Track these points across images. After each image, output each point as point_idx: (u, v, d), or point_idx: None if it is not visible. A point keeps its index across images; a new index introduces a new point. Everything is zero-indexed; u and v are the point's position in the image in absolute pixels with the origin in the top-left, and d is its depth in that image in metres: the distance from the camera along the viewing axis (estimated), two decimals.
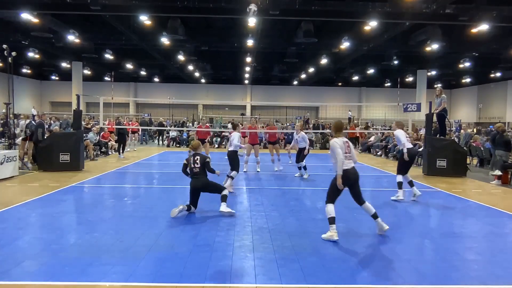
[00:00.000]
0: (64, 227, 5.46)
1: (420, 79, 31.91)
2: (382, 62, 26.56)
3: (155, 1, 15.77)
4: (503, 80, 34.74)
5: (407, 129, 13.12)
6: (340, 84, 42.10)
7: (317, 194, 7.90)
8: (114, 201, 7.28)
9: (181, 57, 26.23)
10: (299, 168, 10.52)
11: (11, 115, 11.25)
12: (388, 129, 20.94)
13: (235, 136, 8.33)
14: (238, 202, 7.28)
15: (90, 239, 4.91)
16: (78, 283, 3.62)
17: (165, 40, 21.77)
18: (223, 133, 20.70)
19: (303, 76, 35.31)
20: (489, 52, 24.35)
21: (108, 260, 4.17)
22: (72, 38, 20.52)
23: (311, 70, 31.52)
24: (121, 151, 15.03)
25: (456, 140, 15.37)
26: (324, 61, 26.27)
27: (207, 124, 14.43)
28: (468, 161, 12.45)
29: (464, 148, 13.04)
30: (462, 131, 20.40)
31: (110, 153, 15.79)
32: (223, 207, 6.24)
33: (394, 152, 14.91)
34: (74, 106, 13.28)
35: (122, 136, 15.21)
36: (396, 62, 26.61)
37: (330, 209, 5.04)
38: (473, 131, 23.01)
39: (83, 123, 15.31)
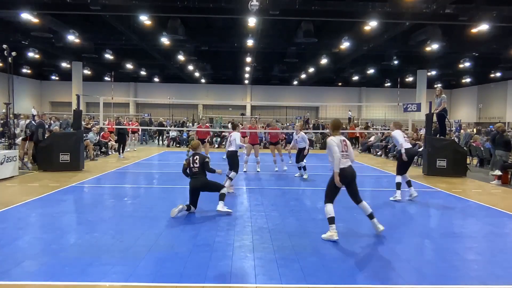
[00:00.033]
0: (64, 227, 5.46)
1: (420, 79, 31.93)
2: (382, 62, 26.58)
3: (155, 1, 15.78)
4: (503, 80, 34.76)
5: (407, 129, 13.16)
6: (340, 84, 42.11)
7: (317, 194, 7.89)
8: (114, 201, 7.28)
9: (181, 57, 26.25)
10: (299, 168, 10.52)
11: (11, 115, 11.25)
12: (388, 129, 20.94)
13: (236, 136, 8.29)
14: (238, 202, 7.28)
15: (90, 239, 4.91)
16: (78, 283, 3.62)
17: (165, 40, 21.78)
18: (223, 133, 20.70)
19: (303, 76, 35.32)
20: (489, 52, 24.36)
21: (108, 260, 4.16)
22: (72, 38, 20.53)
23: (311, 70, 31.53)
24: (121, 151, 15.03)
25: (456, 140, 15.37)
26: (324, 61, 26.28)
27: (207, 124, 14.44)
28: (468, 161, 12.45)
29: (464, 148, 13.04)
30: (462, 131, 20.40)
31: (110, 153, 15.79)
32: (220, 206, 6.27)
33: (394, 152, 14.91)
34: (74, 106, 13.28)
35: (122, 136, 15.21)
36: (396, 62, 26.63)
37: (329, 209, 5.04)
38: (473, 131, 23.03)
39: (83, 123, 15.32)
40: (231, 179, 8.11)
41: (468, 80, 36.64)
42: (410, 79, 34.02)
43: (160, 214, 6.16)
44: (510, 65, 26.65)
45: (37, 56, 25.66)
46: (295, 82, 40.32)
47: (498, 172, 10.02)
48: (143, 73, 35.84)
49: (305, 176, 10.11)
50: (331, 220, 5.00)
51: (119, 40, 22.45)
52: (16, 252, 4.39)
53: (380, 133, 19.09)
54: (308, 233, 5.29)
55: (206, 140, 12.75)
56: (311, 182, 9.69)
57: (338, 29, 20.53)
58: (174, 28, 18.49)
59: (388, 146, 16.48)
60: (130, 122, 20.87)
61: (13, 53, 10.95)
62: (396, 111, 22.73)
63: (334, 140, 5.05)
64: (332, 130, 5.26)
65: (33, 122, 12.52)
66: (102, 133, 15.60)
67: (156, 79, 40.53)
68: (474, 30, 17.60)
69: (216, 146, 20.31)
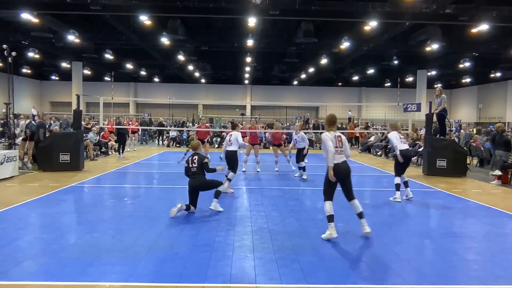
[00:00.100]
0: (64, 227, 5.46)
1: (420, 79, 31.93)
2: (382, 62, 26.58)
3: (155, 1, 15.77)
4: (503, 80, 34.76)
5: (407, 129, 13.16)
6: (340, 84, 42.11)
7: (317, 194, 7.89)
8: (114, 201, 7.28)
9: (181, 57, 26.25)
10: (299, 168, 10.52)
11: (11, 115, 11.25)
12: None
13: (238, 135, 8.26)
14: (238, 202, 7.28)
15: (90, 239, 4.91)
16: (78, 283, 3.62)
17: (165, 40, 21.78)
18: (223, 133, 20.70)
19: (303, 76, 35.33)
20: (489, 52, 24.36)
21: (108, 260, 4.17)
22: (72, 38, 20.53)
23: (311, 70, 31.54)
24: (121, 151, 15.04)
25: (456, 140, 15.37)
26: (324, 61, 26.29)
27: (207, 124, 14.44)
28: (468, 161, 12.45)
29: (464, 148, 13.04)
30: (462, 131, 20.40)
31: (110, 153, 15.79)
32: (213, 204, 6.39)
33: (394, 153, 14.92)
34: (74, 106, 13.28)
35: (122, 136, 15.22)
36: (396, 62, 26.62)
37: (328, 207, 5.04)
38: (473, 131, 23.03)
39: (83, 123, 15.32)
40: (229, 180, 8.10)
41: (468, 80, 36.65)
42: (410, 79, 34.02)
43: (160, 214, 6.16)
44: (510, 65, 26.65)
45: (37, 56, 25.66)
46: (295, 82, 40.32)
47: (498, 172, 10.02)
48: (143, 73, 35.84)
49: (304, 177, 10.08)
50: (330, 218, 5.00)
51: (119, 40, 22.45)
52: (16, 252, 4.39)
53: (380, 133, 19.10)
54: (308, 233, 5.29)
55: (206, 140, 12.75)
56: (311, 182, 9.69)
57: (338, 29, 20.53)
58: (174, 28, 18.49)
59: (388, 146, 16.47)
60: (130, 122, 20.87)
61: (13, 53, 10.95)
62: (396, 111, 22.75)
63: (328, 135, 5.07)
64: (328, 126, 5.26)
65: (33, 122, 12.52)
66: (102, 133, 15.60)
67: (156, 79, 40.54)
68: (474, 30, 17.60)
69: (216, 146, 20.30)
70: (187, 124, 29.16)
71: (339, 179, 5.06)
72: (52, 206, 6.69)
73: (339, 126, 23.50)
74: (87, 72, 33.02)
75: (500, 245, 5.07)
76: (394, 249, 4.73)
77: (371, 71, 31.47)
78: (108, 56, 25.90)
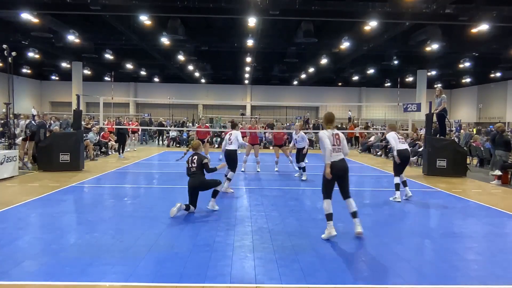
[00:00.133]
0: (64, 227, 5.46)
1: (420, 79, 31.93)
2: (382, 62, 26.58)
3: (155, 1, 15.78)
4: (503, 80, 34.76)
5: (407, 129, 13.17)
6: (340, 84, 42.12)
7: (317, 194, 7.86)
8: (114, 201, 7.28)
9: (181, 57, 26.25)
10: (299, 168, 10.52)
11: (11, 115, 11.25)
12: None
13: (238, 135, 8.23)
14: (238, 202, 7.28)
15: (90, 239, 4.91)
16: (78, 283, 3.62)
17: (165, 40, 21.78)
18: (223, 133, 20.70)
19: (303, 76, 35.33)
20: (489, 52, 24.37)
21: (108, 260, 4.17)
22: (72, 38, 20.54)
23: (311, 70, 31.54)
24: (121, 151, 15.04)
25: (456, 140, 15.37)
26: (324, 61, 26.29)
27: (207, 124, 14.44)
28: (468, 161, 12.46)
29: (464, 148, 13.04)
30: (462, 131, 20.41)
31: (110, 153, 15.79)
32: (211, 204, 6.46)
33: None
34: (74, 106, 13.28)
35: (122, 136, 15.22)
36: (396, 62, 26.63)
37: (327, 206, 5.05)
38: (472, 131, 23.03)
39: (83, 123, 15.32)
40: (229, 179, 8.09)
41: (468, 80, 36.65)
42: (410, 79, 34.02)
43: (160, 214, 6.16)
44: (510, 65, 26.66)
45: (37, 56, 25.67)
46: (295, 82, 40.33)
47: (498, 172, 10.02)
48: (143, 73, 35.84)
49: (303, 178, 10.06)
50: (329, 217, 5.01)
51: (119, 40, 22.46)
52: (16, 252, 4.39)
53: (380, 133, 19.10)
54: (308, 233, 5.29)
55: (206, 140, 12.76)
56: (310, 182, 9.68)
57: (338, 29, 20.53)
58: (174, 28, 18.49)
59: (388, 146, 16.47)
60: (130, 122, 20.87)
61: (13, 53, 10.95)
62: (396, 111, 22.76)
63: (325, 133, 5.07)
64: (326, 124, 5.27)
65: (33, 122, 12.51)
66: (102, 133, 15.60)
67: (156, 79, 40.54)
68: (474, 30, 17.61)
69: (216, 146, 20.30)
70: (187, 124, 29.16)
71: (336, 177, 5.05)
72: (52, 206, 6.69)
73: (339, 126, 23.54)
74: (87, 72, 33.03)
75: (500, 245, 5.07)
76: (394, 249, 4.73)
77: (371, 71, 31.48)
78: (108, 56, 25.91)
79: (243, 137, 9.47)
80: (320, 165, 5.13)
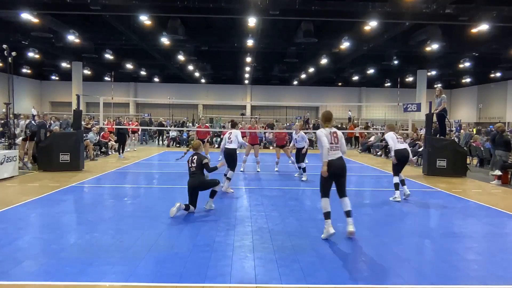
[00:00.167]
0: (64, 227, 5.46)
1: (420, 79, 31.93)
2: (382, 62, 26.58)
3: (155, 1, 15.78)
4: (503, 80, 34.76)
5: (406, 129, 13.17)
6: (340, 84, 42.12)
7: (317, 194, 7.81)
8: (114, 201, 7.28)
9: (181, 57, 26.25)
10: (298, 168, 10.52)
11: (11, 115, 11.25)
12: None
13: (238, 134, 8.22)
14: (238, 202, 7.28)
15: (90, 239, 4.91)
16: (78, 283, 3.62)
17: (165, 40, 21.78)
18: (222, 134, 20.69)
19: (303, 76, 35.33)
20: (489, 52, 24.37)
21: (108, 260, 4.17)
22: (72, 38, 20.53)
23: (311, 70, 31.54)
24: (121, 151, 15.04)
25: (456, 140, 15.37)
26: (324, 61, 26.29)
27: (206, 124, 14.44)
28: (468, 161, 12.46)
29: (464, 148, 13.04)
30: (462, 131, 20.41)
31: (110, 153, 15.80)
32: (208, 204, 6.50)
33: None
34: (74, 106, 13.28)
35: (122, 136, 15.21)
36: (396, 62, 26.63)
37: (325, 204, 5.05)
38: (472, 131, 23.03)
39: (83, 123, 15.31)
40: (229, 179, 8.08)
41: (468, 80, 36.65)
42: (410, 79, 34.02)
43: (160, 214, 6.16)
44: (510, 65, 26.65)
45: (37, 56, 25.67)
46: (295, 82, 40.32)
47: (498, 172, 10.02)
48: (143, 73, 35.84)
49: (303, 178, 10.05)
50: (327, 215, 5.01)
51: (119, 40, 22.45)
52: (16, 252, 4.39)
53: (380, 133, 19.10)
54: (308, 233, 5.29)
55: (206, 140, 12.76)
56: (311, 183, 9.67)
57: (338, 29, 20.53)
58: (174, 28, 18.49)
59: (388, 146, 16.48)
60: (130, 122, 20.87)
61: (13, 53, 10.95)
62: (396, 111, 22.76)
63: (323, 132, 5.09)
64: (324, 122, 5.27)
65: (33, 122, 12.51)
66: (102, 133, 15.60)
67: (156, 79, 40.54)
68: (474, 30, 17.60)
69: (216, 146, 20.29)
70: (187, 124, 29.16)
71: (334, 176, 5.05)
72: (52, 206, 6.69)
73: (339, 126, 23.55)
74: (87, 72, 33.02)
75: (500, 245, 5.07)
76: (394, 249, 4.73)
77: (371, 71, 31.47)
78: (108, 56, 25.90)
79: (242, 137, 9.47)
80: (320, 165, 5.12)
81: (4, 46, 10.74)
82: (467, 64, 27.10)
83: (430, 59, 27.58)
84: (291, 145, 11.38)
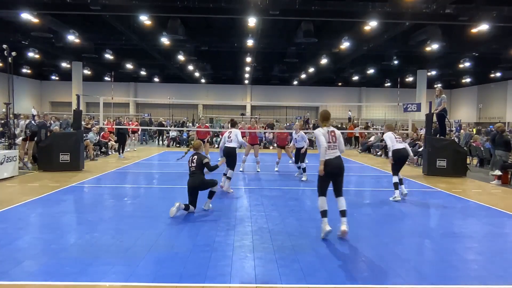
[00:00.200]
0: (64, 227, 5.46)
1: (420, 79, 31.93)
2: (382, 62, 26.58)
3: (155, 1, 15.78)
4: (503, 80, 34.75)
5: (406, 129, 13.17)
6: (340, 84, 42.11)
7: (316, 194, 7.88)
8: (114, 201, 7.28)
9: (181, 57, 26.24)
10: (298, 168, 10.53)
11: (11, 115, 11.25)
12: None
13: (237, 133, 8.20)
14: (238, 202, 7.28)
15: (90, 239, 4.91)
16: (78, 283, 3.62)
17: (165, 40, 21.78)
18: (220, 134, 20.69)
19: (303, 76, 35.32)
20: (489, 52, 24.36)
21: (108, 260, 4.17)
22: (72, 38, 20.53)
23: (311, 70, 31.54)
24: (121, 151, 15.04)
25: (456, 140, 15.38)
26: (324, 61, 26.28)
27: (207, 124, 14.45)
28: (468, 161, 12.46)
29: (464, 148, 13.04)
30: (462, 131, 20.41)
31: (110, 153, 15.80)
32: (207, 204, 6.52)
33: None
34: (74, 106, 13.28)
35: (122, 136, 15.21)
36: (396, 62, 26.63)
37: (322, 203, 5.08)
38: (472, 131, 23.04)
39: (83, 123, 15.31)
40: (229, 178, 8.07)
41: (468, 80, 36.64)
42: (410, 79, 34.02)
43: (160, 214, 6.16)
44: (510, 65, 26.64)
45: (37, 56, 25.66)
46: (295, 82, 40.32)
47: (498, 172, 10.02)
48: (143, 73, 35.84)
49: (303, 178, 10.05)
50: (323, 214, 5.04)
51: (119, 40, 22.45)
52: (16, 252, 4.39)
53: (380, 133, 19.11)
54: (308, 233, 5.29)
55: (206, 140, 12.76)
56: (311, 183, 9.67)
57: (338, 29, 20.53)
58: (174, 28, 18.48)
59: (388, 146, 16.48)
60: (130, 122, 20.88)
61: (13, 53, 10.95)
62: (396, 111, 22.76)
63: (321, 131, 5.10)
64: (321, 121, 5.28)
65: (33, 122, 12.51)
66: (102, 133, 15.60)
67: (156, 79, 40.53)
68: (474, 30, 17.60)
69: (216, 146, 20.29)
70: (187, 124, 29.16)
71: (332, 175, 5.05)
72: (52, 206, 6.69)
73: (339, 126, 23.55)
74: (87, 72, 33.01)
75: (500, 245, 5.07)
76: (394, 249, 4.73)
77: (371, 71, 31.47)
78: (108, 56, 25.90)
79: (242, 137, 9.47)
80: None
81: (4, 46, 10.74)
82: (467, 64, 27.09)
83: (430, 59, 27.58)
84: (291, 144, 11.38)
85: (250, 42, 21.47)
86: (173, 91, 39.25)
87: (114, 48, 25.80)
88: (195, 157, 6.34)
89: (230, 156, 8.02)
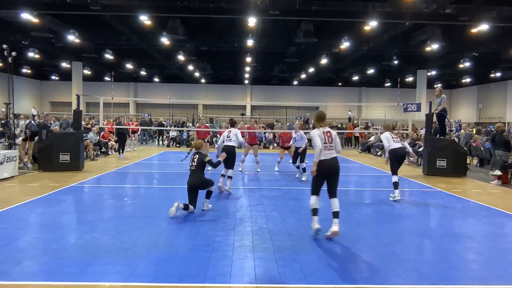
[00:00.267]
0: (64, 227, 5.46)
1: (420, 79, 31.92)
2: (382, 62, 26.57)
3: (155, 1, 15.77)
4: (503, 80, 34.75)
5: (406, 129, 13.17)
6: (340, 84, 42.11)
7: None
8: (114, 201, 7.28)
9: (181, 57, 26.24)
10: (297, 167, 10.52)
11: (11, 115, 11.25)
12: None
13: (237, 132, 8.17)
14: (238, 202, 7.28)
15: (90, 239, 4.91)
16: (78, 283, 3.62)
17: (165, 40, 21.77)
18: (218, 133, 20.68)
19: (303, 76, 35.32)
20: (489, 52, 24.35)
21: (108, 260, 4.17)
22: (72, 38, 20.52)
23: (311, 70, 31.53)
24: (121, 151, 15.04)
25: (456, 140, 15.38)
26: (324, 61, 26.28)
27: (206, 124, 14.45)
28: (468, 161, 12.46)
29: (464, 148, 13.04)
30: (462, 131, 20.41)
31: (110, 153, 15.80)
32: (205, 205, 6.55)
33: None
34: (74, 106, 13.29)
35: (122, 136, 15.21)
36: (396, 62, 26.62)
37: (313, 201, 5.11)
38: (472, 131, 23.03)
39: (83, 123, 15.31)
40: (230, 177, 8.06)
41: (468, 80, 36.64)
42: (410, 79, 34.01)
43: (160, 214, 6.16)
44: (510, 65, 26.64)
45: (37, 56, 25.65)
46: (295, 82, 40.31)
47: (498, 172, 10.02)
48: (143, 73, 35.83)
49: (303, 178, 10.04)
50: (314, 212, 5.09)
51: (119, 40, 22.44)
52: (16, 252, 4.39)
53: (380, 133, 19.10)
54: (308, 233, 5.28)
55: (206, 140, 12.76)
56: (310, 183, 9.66)
57: (338, 29, 20.52)
58: (174, 28, 18.48)
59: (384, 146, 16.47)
60: (130, 122, 20.88)
61: (13, 53, 10.95)
62: (396, 111, 22.75)
63: (316, 132, 5.12)
64: (317, 122, 5.29)
65: (33, 122, 12.52)
66: (102, 133, 15.61)
67: (156, 79, 40.53)
68: (474, 30, 17.59)
69: (216, 146, 20.28)
70: (187, 124, 29.15)
71: (327, 175, 5.06)
72: (52, 206, 6.69)
73: (339, 126, 23.56)
74: (87, 72, 33.00)
75: (500, 245, 5.07)
76: (394, 249, 4.73)
77: (371, 71, 31.46)
78: (108, 56, 25.89)
79: (242, 136, 9.46)
80: None
81: (4, 46, 10.74)
82: (467, 64, 27.08)
83: (430, 59, 27.57)
84: (291, 143, 11.37)
85: (250, 42, 21.47)
86: (173, 91, 39.24)
87: (114, 48, 25.79)
88: (196, 156, 6.37)
89: (229, 154, 7.98)
